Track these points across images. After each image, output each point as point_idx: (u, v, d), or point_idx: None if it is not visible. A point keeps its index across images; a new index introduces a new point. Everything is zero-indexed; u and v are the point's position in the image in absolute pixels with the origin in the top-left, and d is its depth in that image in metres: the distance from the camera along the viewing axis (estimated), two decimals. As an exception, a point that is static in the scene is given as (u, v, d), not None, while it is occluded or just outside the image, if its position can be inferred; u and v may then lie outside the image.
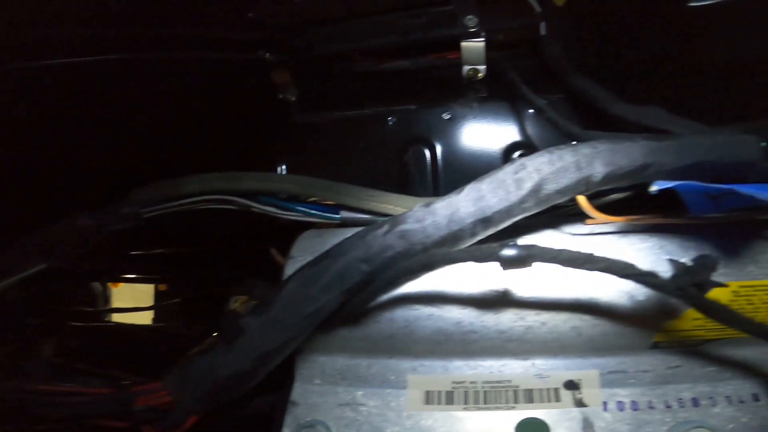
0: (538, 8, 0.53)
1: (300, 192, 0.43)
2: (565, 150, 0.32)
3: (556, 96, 0.52)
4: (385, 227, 0.34)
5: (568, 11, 0.53)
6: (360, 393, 0.38)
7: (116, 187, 0.44)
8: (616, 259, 0.30)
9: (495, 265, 0.32)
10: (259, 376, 0.36)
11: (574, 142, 0.33)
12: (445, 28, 0.49)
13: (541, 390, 0.37)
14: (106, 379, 0.39)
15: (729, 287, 0.32)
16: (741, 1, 0.46)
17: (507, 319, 0.36)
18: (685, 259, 0.34)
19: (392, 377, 0.38)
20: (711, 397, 0.36)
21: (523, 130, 0.54)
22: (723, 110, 0.47)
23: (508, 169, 0.32)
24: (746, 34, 0.47)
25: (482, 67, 0.52)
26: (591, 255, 0.30)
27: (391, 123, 0.55)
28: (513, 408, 0.37)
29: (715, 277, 0.33)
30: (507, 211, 0.33)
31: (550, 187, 0.32)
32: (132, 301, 0.77)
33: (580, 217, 0.35)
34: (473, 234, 0.34)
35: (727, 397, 0.36)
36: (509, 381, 0.38)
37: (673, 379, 0.36)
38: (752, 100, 0.48)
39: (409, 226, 0.33)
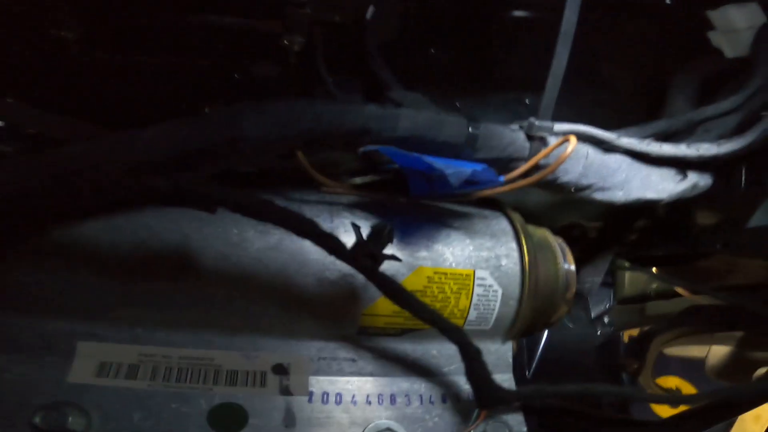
0: None
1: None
2: (284, 102, 0.31)
3: (350, 78, 0.51)
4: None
5: None
6: (4, 357, 0.30)
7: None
8: (296, 213, 0.28)
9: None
10: None
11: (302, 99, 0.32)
12: None
13: (246, 372, 0.34)
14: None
15: (424, 272, 0.35)
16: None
17: (204, 281, 0.32)
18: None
19: (56, 343, 0.31)
20: (407, 395, 0.37)
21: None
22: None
23: (222, 111, 0.30)
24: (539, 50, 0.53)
25: (300, 40, 0.48)
26: (268, 202, 0.27)
27: (183, 78, 0.48)
28: (210, 390, 0.33)
29: (417, 260, 0.35)
30: (210, 153, 0.29)
31: (259, 134, 0.29)
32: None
33: (313, 184, 0.35)
34: (165, 167, 0.28)
35: (420, 395, 0.37)
36: (211, 359, 0.34)
37: (377, 371, 0.37)
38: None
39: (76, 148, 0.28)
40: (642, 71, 0.58)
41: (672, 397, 0.46)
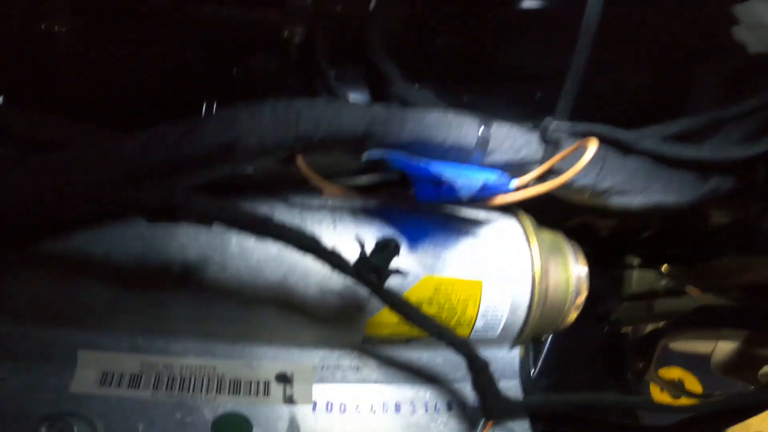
0: None
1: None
2: (281, 104, 0.29)
3: (353, 71, 0.49)
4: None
5: None
6: (3, 366, 0.29)
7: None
8: (297, 230, 0.26)
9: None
10: None
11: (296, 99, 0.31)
12: None
13: (249, 381, 0.34)
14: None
15: (431, 281, 0.34)
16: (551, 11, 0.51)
17: (204, 292, 0.31)
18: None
19: (56, 352, 0.30)
20: (412, 403, 0.36)
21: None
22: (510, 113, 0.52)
23: (217, 115, 0.28)
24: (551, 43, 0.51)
25: (301, 31, 0.47)
26: (268, 219, 0.26)
27: (180, 73, 0.46)
28: (214, 399, 0.33)
29: (424, 270, 0.34)
30: (204, 159, 0.27)
31: (255, 139, 0.27)
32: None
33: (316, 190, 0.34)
34: (158, 174, 0.27)
35: (425, 403, 0.36)
36: (214, 368, 0.33)
37: (382, 378, 0.36)
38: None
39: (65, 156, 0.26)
40: (664, 66, 0.56)
41: (677, 408, 0.45)
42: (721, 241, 0.56)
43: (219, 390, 0.33)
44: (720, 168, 0.38)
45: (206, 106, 0.45)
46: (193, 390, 0.32)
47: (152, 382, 0.32)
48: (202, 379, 0.33)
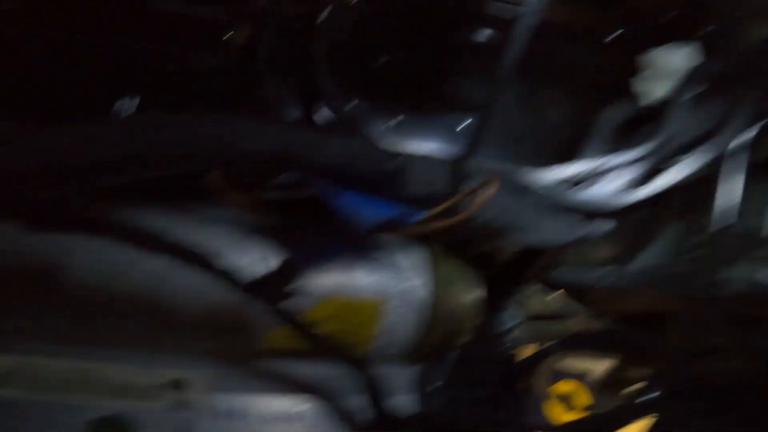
0: None
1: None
2: (198, 117, 0.28)
3: (287, 77, 0.48)
4: None
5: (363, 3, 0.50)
6: None
7: None
8: (193, 250, 0.26)
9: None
10: None
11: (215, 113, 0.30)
12: None
13: (137, 386, 0.32)
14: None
15: (331, 302, 0.35)
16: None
17: (87, 301, 0.30)
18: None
19: None
20: (310, 414, 0.37)
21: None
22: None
23: (129, 120, 0.27)
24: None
25: (245, 32, 0.44)
26: (162, 236, 0.26)
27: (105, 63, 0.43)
28: (95, 401, 0.31)
29: (325, 290, 0.35)
30: (108, 165, 0.25)
31: (162, 150, 0.26)
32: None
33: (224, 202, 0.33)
34: (49, 177, 0.24)
35: (323, 414, 0.37)
36: (96, 369, 0.32)
37: (280, 389, 0.36)
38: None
39: None
40: (570, 106, 0.60)
41: (555, 427, 0.50)
42: (601, 274, 0.62)
43: (102, 393, 0.31)
44: (604, 212, 0.43)
45: (130, 102, 0.43)
46: (71, 392, 0.31)
47: (21, 381, 0.30)
48: (83, 382, 0.31)
